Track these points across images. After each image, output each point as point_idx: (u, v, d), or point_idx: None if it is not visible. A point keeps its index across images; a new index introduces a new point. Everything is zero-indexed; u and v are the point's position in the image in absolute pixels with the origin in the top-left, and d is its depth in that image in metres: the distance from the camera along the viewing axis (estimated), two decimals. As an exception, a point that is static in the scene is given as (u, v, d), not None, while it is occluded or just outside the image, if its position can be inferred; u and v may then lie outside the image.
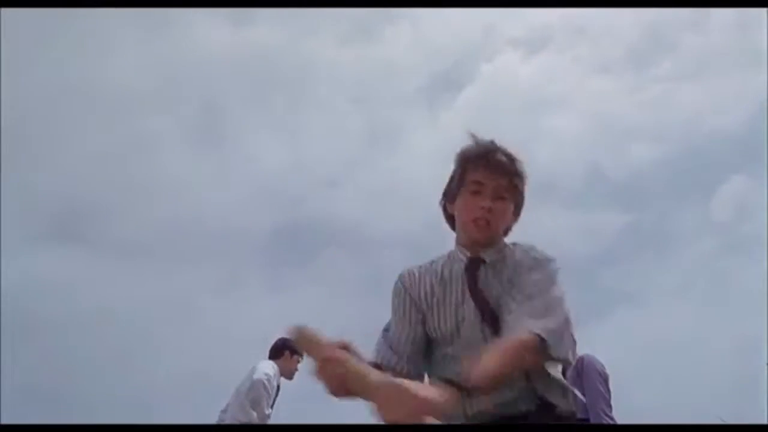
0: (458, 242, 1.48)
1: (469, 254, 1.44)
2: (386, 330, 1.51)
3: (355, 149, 11.01)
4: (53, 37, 8.92)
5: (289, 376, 4.46)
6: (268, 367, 4.28)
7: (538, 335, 1.21)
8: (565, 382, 1.37)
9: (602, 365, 3.37)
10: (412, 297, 1.46)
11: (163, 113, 10.22)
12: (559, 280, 1.36)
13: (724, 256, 10.17)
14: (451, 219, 1.49)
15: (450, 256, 1.49)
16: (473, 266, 1.42)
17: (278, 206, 9.94)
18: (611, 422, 3.17)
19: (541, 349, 1.21)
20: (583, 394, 3.27)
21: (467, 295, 1.39)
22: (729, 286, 9.31)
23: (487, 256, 1.43)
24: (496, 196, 1.40)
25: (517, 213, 1.46)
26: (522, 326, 1.23)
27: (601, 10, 10.17)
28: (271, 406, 4.32)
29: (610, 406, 3.19)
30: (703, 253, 10.01)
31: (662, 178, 10.26)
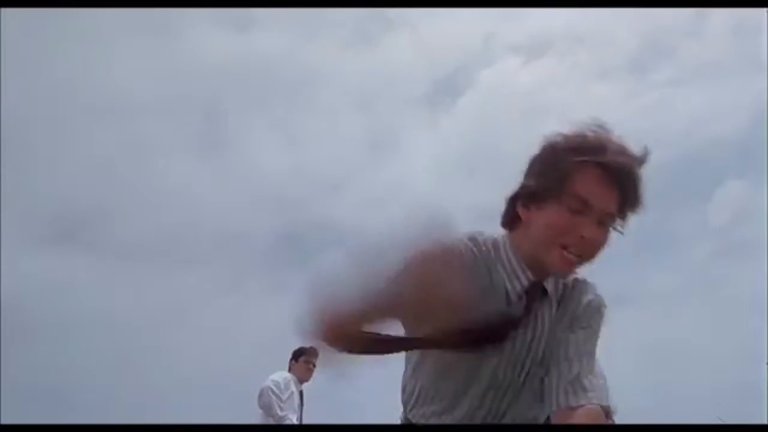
0: (520, 254, 1.10)
1: (531, 277, 1.10)
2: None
3: (356, 154, 11.07)
4: (56, 41, 8.98)
5: (303, 378, 4.51)
6: (276, 375, 4.33)
7: (603, 407, 1.08)
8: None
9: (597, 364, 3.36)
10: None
11: (165, 118, 10.27)
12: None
13: (722, 259, 10.22)
14: (515, 219, 1.11)
15: (506, 269, 1.11)
16: (532, 295, 1.12)
17: (279, 210, 9.98)
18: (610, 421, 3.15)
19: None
20: None
21: (512, 331, 1.12)
22: (727, 289, 9.38)
23: (549, 285, 1.13)
24: (603, 223, 1.05)
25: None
26: (583, 399, 1.07)
27: (600, 17, 10.26)
28: (300, 414, 4.36)
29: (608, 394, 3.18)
30: (701, 256, 10.08)
31: (660, 182, 10.29)
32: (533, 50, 12.03)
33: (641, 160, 1.05)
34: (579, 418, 1.05)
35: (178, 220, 9.55)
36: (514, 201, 1.11)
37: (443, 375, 1.20)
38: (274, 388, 4.23)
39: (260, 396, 4.25)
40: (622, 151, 1.03)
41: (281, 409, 4.18)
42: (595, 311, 1.15)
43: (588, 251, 1.05)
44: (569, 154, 1.03)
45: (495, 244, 1.13)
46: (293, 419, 4.29)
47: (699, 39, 10.85)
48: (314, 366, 4.53)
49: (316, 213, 9.95)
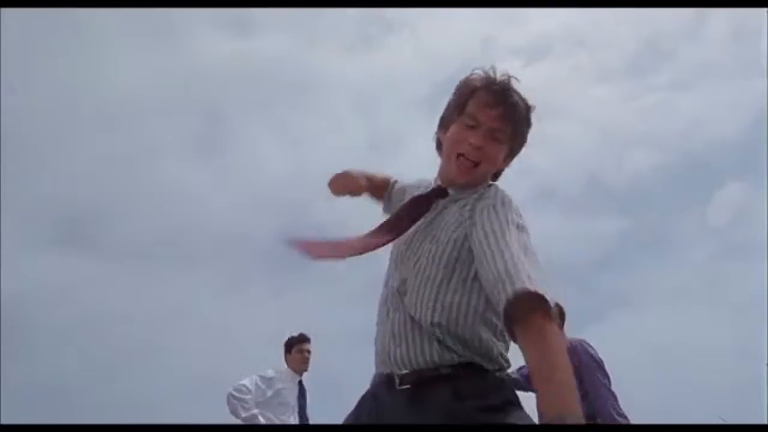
0: (439, 173, 1.36)
1: (439, 183, 1.34)
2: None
3: (356, 157, 11.08)
4: (56, 42, 9.01)
5: (299, 369, 4.45)
6: (246, 379, 4.28)
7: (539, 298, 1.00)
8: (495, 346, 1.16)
9: (594, 349, 3.12)
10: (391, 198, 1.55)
11: (167, 119, 10.28)
12: (511, 221, 1.16)
13: (722, 260, 10.23)
14: (441, 148, 1.35)
15: (430, 183, 1.39)
16: (428, 197, 1.31)
17: (280, 212, 9.99)
18: (623, 420, 3.00)
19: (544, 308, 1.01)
20: (582, 385, 3.05)
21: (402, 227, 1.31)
22: (727, 290, 9.38)
23: (455, 191, 1.30)
24: (492, 137, 1.25)
25: (510, 158, 1.33)
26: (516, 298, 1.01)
27: (600, 20, 10.29)
28: (301, 406, 4.33)
29: (615, 398, 3.02)
30: (701, 257, 10.09)
31: (660, 184, 10.33)
32: (533, 53, 12.04)
33: (523, 98, 1.26)
34: (530, 334, 1.00)
35: (179, 221, 9.57)
36: (437, 130, 1.36)
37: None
38: (235, 393, 4.17)
39: (226, 403, 4.23)
40: (506, 82, 1.25)
41: (245, 410, 4.12)
42: (493, 199, 1.20)
43: (479, 159, 1.25)
44: (467, 85, 1.28)
45: None
46: (281, 418, 4.23)
47: (699, 41, 10.87)
48: (309, 353, 4.48)
49: (317, 215, 9.96)
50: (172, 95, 10.18)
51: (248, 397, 4.18)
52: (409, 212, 1.32)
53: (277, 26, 10.35)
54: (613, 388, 3.11)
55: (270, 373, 4.38)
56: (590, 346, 3.16)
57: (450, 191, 1.30)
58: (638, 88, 11.46)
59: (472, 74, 1.28)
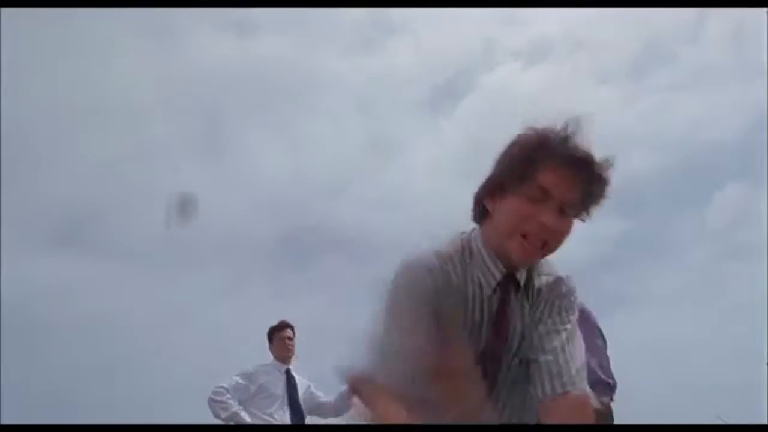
0: (489, 247, 1.13)
1: (503, 269, 1.12)
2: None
3: (357, 158, 11.08)
4: (57, 43, 9.01)
5: (282, 357, 4.40)
6: (226, 380, 4.26)
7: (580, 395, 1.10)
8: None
9: (594, 317, 3.16)
10: (438, 305, 1.12)
11: (167, 121, 10.28)
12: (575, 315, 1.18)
13: (722, 261, 10.24)
14: (483, 213, 1.15)
15: (479, 264, 1.14)
16: (505, 289, 1.14)
17: (281, 214, 9.99)
18: (610, 382, 3.06)
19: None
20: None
21: (489, 326, 1.14)
22: (727, 290, 9.40)
23: (520, 275, 1.15)
24: (562, 212, 1.07)
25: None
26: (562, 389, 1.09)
27: (600, 21, 10.30)
28: (292, 396, 4.29)
29: (608, 360, 3.03)
30: (700, 258, 10.10)
31: (660, 185, 10.33)
32: (533, 55, 12.05)
33: (601, 163, 1.08)
34: (568, 404, 1.08)
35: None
36: (482, 194, 1.14)
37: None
38: (213, 396, 4.16)
39: (209, 407, 4.20)
40: (583, 145, 1.06)
41: (225, 410, 4.10)
42: (572, 304, 1.18)
43: (548, 239, 1.08)
44: (533, 146, 1.07)
45: (464, 243, 1.16)
46: (267, 412, 4.19)
47: (698, 43, 10.88)
48: (290, 339, 4.43)
49: (318, 217, 9.96)
50: (172, 95, 10.17)
51: (226, 397, 4.15)
52: (498, 331, 1.14)
53: (277, 27, 10.35)
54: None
55: (250, 368, 4.34)
56: (591, 313, 3.22)
57: (517, 277, 1.15)
58: (638, 89, 11.46)
59: (538, 129, 1.08)
